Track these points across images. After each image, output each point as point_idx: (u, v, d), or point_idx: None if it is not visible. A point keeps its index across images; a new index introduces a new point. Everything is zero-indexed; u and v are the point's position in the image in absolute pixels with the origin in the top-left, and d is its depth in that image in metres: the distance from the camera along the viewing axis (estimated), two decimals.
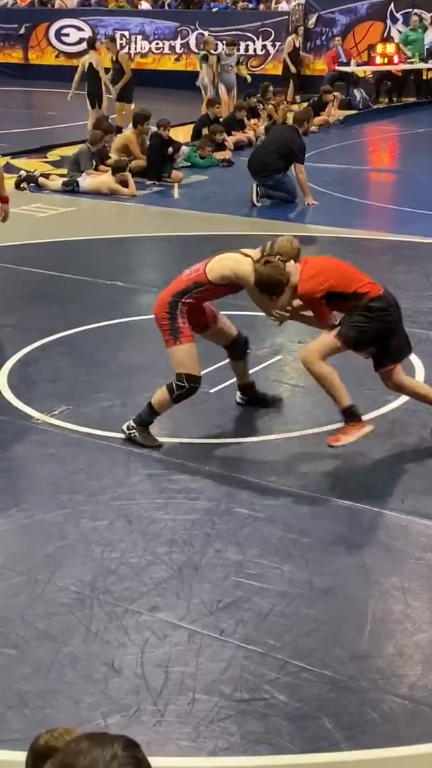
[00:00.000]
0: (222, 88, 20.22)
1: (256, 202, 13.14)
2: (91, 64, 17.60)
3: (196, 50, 24.95)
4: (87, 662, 4.16)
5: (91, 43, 18.36)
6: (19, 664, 4.16)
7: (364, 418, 6.49)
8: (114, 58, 18.21)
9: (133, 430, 6.14)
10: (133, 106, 17.85)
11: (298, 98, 22.43)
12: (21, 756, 3.64)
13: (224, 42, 21.25)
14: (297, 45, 23.19)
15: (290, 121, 18.20)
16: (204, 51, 20.31)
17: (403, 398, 6.78)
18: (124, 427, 6.18)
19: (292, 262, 5.97)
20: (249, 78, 21.35)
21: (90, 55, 17.88)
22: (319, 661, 4.16)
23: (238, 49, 22.20)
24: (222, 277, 5.95)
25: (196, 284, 5.99)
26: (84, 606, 4.53)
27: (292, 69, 22.89)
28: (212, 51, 20.28)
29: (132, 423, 6.17)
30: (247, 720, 3.83)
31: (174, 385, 6.02)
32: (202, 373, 6.14)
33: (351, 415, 5.92)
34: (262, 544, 5.06)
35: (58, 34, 28.18)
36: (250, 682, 4.03)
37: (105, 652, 4.22)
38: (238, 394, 6.76)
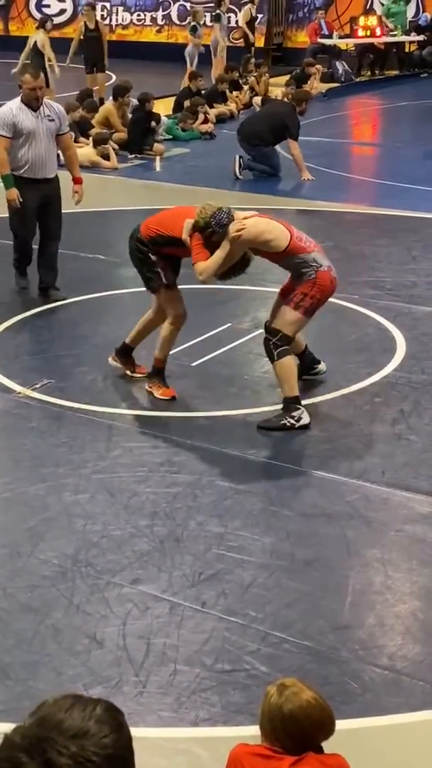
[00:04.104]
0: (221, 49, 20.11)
1: (238, 175, 13.11)
2: (35, 43, 17.43)
3: (178, 22, 24.79)
4: (69, 634, 4.17)
5: (42, 23, 18.18)
6: (1, 636, 4.17)
7: (346, 390, 6.53)
8: (93, 26, 18.01)
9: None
10: (108, 75, 17.68)
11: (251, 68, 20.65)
12: (3, 727, 3.68)
13: (216, 4, 20.99)
14: (253, 14, 22.35)
15: (272, 94, 18.24)
16: (194, 22, 20.04)
17: (384, 372, 6.80)
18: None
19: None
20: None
21: (37, 34, 17.70)
22: (300, 632, 4.19)
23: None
24: None
25: None
26: (66, 579, 4.54)
27: (251, 39, 22.15)
28: (201, 22, 20.05)
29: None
30: (228, 691, 3.86)
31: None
32: (185, 346, 6.13)
33: None
34: (244, 517, 5.08)
35: (39, 5, 27.88)
36: (232, 654, 4.06)
37: (87, 624, 4.23)
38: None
